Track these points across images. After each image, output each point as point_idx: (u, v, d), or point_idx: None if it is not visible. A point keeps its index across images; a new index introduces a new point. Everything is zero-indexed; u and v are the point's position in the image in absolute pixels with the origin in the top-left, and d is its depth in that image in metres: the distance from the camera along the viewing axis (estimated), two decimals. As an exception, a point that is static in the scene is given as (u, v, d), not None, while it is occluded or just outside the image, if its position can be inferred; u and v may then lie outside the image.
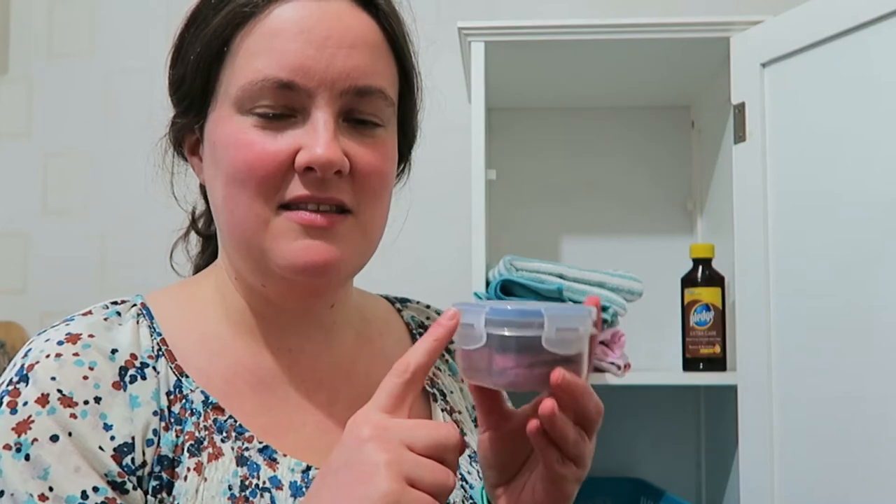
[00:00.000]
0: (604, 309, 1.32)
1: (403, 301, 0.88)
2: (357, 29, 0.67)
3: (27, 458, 0.59)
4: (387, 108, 0.69)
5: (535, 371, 0.57)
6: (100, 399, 0.62)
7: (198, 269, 0.82)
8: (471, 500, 0.74)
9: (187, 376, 0.67)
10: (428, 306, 0.89)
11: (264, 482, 0.65)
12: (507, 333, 0.56)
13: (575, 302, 1.31)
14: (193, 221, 0.82)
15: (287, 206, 0.65)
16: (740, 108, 1.28)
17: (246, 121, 0.65)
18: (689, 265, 1.48)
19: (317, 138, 0.64)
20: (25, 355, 0.64)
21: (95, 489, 0.59)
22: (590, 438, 0.61)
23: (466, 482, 0.75)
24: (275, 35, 0.65)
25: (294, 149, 0.64)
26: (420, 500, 0.52)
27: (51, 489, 0.59)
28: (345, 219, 0.66)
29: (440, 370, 0.82)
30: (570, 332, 0.57)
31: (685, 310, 1.46)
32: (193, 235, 0.83)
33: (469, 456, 0.77)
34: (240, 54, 0.66)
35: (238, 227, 0.66)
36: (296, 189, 0.64)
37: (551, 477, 0.61)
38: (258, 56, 0.65)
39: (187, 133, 0.72)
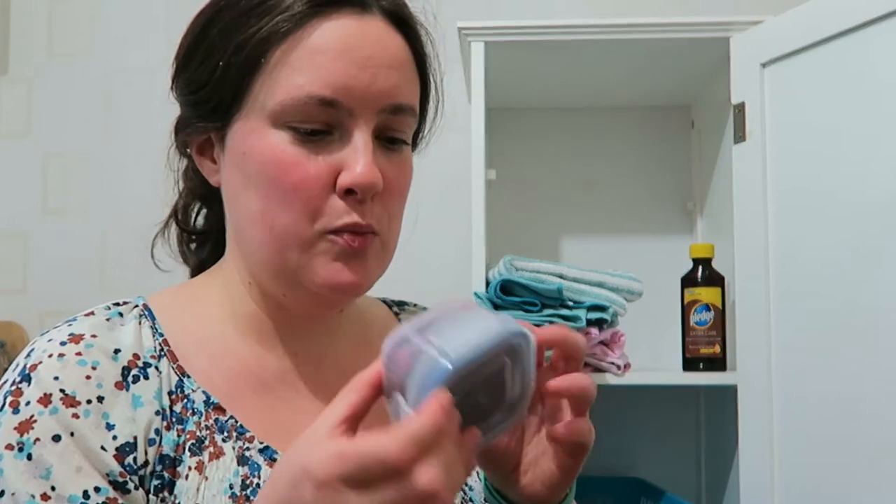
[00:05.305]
0: (604, 309, 1.32)
1: (401, 304, 0.88)
2: (393, 49, 0.68)
3: (29, 457, 0.59)
4: (413, 124, 0.71)
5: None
6: (102, 399, 0.62)
7: (200, 264, 0.81)
8: (471, 503, 0.73)
9: (189, 376, 0.67)
10: (425, 309, 0.89)
11: (265, 481, 0.65)
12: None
13: (575, 302, 1.32)
14: (175, 214, 0.81)
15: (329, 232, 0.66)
16: (740, 108, 1.28)
17: (282, 135, 0.65)
18: (689, 265, 1.48)
19: (358, 159, 0.65)
20: (28, 355, 0.64)
21: (97, 489, 0.60)
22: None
23: (466, 484, 0.74)
24: (318, 52, 0.65)
25: (334, 169, 0.65)
26: None
27: (52, 489, 0.59)
28: (374, 239, 0.68)
29: None
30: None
31: (685, 310, 1.46)
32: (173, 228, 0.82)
33: None
34: (279, 68, 0.65)
35: (277, 241, 0.66)
36: (339, 215, 0.65)
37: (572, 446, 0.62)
38: (300, 72, 0.65)
39: (198, 134, 0.72)
